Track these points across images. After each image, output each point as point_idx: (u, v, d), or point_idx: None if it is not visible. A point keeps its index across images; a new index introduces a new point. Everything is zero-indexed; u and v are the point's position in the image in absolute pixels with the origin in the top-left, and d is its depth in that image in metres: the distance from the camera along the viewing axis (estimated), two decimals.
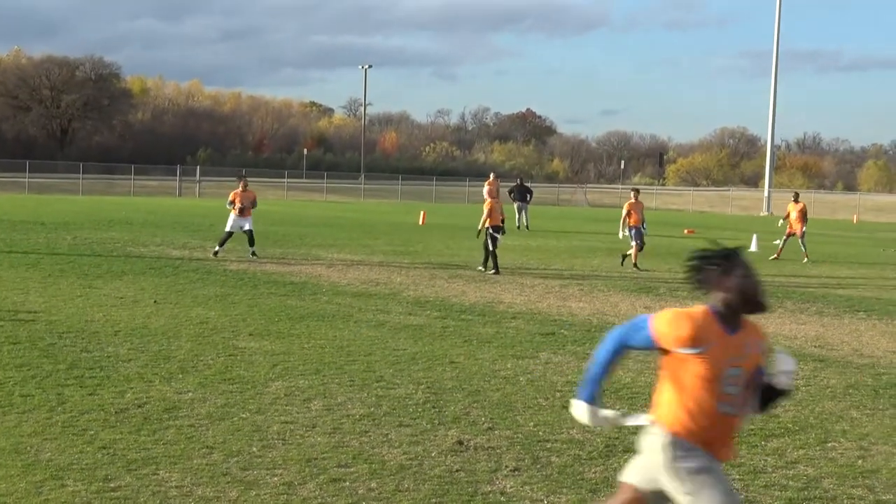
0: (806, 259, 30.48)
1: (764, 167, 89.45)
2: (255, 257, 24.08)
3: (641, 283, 22.12)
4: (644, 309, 18.04)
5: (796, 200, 31.96)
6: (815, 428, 9.87)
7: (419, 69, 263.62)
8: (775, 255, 30.87)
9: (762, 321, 15.02)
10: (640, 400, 10.48)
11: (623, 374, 11.83)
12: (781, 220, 33.04)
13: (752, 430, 9.63)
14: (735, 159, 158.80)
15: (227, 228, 24.68)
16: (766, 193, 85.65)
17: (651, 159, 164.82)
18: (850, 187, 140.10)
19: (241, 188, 25.02)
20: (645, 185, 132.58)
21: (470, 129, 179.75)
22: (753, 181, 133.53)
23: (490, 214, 23.43)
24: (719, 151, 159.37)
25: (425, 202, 76.33)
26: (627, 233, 25.87)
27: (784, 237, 31.78)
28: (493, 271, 22.91)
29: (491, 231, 23.27)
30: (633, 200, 26.08)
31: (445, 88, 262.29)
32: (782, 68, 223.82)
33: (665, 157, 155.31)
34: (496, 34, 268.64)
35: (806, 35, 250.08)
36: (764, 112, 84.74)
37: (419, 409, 9.82)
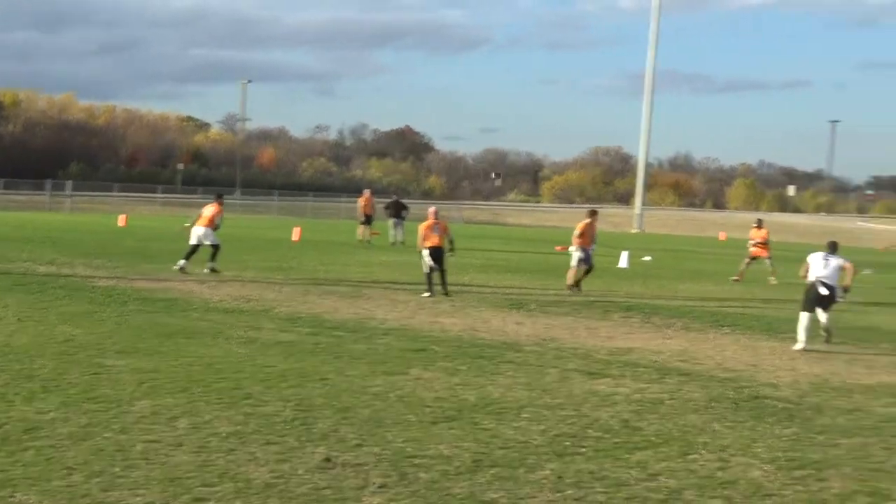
0: (774, 279, 31.00)
1: (636, 185, 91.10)
2: (214, 273, 24.65)
3: (513, 299, 22.33)
4: (516, 325, 18.24)
5: (759, 226, 32.60)
6: (677, 440, 10.09)
7: (299, 85, 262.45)
8: (737, 277, 31.19)
9: (624, 339, 15.20)
10: None
11: None
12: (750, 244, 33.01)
13: (616, 443, 9.81)
14: (609, 177, 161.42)
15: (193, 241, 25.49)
16: (637, 211, 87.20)
17: (527, 176, 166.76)
18: (719, 205, 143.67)
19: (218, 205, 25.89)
20: (520, 201, 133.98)
21: (348, 145, 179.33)
22: (626, 198, 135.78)
23: (426, 236, 23.02)
24: (594, 169, 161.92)
25: (301, 218, 75.88)
26: (575, 251, 25.28)
27: (747, 260, 32.08)
28: (427, 294, 22.31)
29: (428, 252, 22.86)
30: (588, 221, 25.70)
31: (325, 104, 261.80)
32: (660, 89, 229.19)
33: (540, 174, 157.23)
34: (377, 51, 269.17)
35: (684, 57, 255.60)
36: (638, 131, 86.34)
37: (287, 427, 9.76)
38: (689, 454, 9.57)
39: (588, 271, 25.28)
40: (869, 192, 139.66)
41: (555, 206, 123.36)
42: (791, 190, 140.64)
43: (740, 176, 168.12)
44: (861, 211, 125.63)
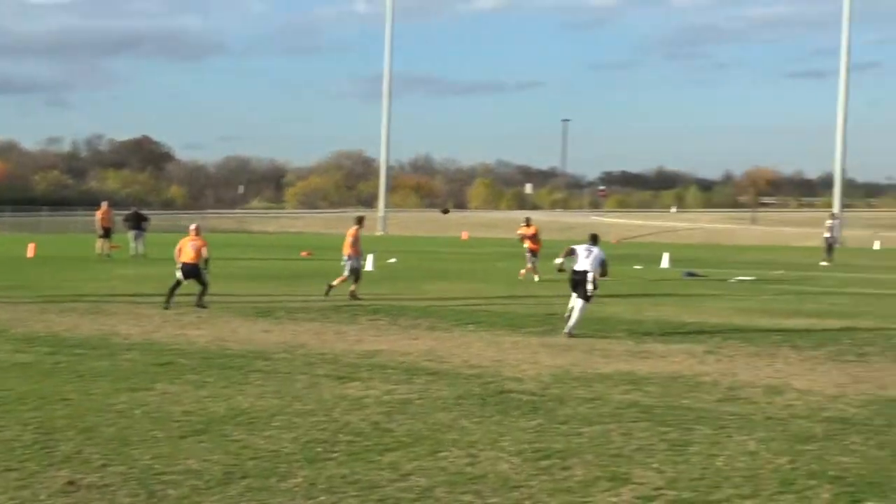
0: (526, 275, 31.65)
1: (379, 188, 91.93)
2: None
3: (260, 307, 22.15)
4: (263, 333, 18.10)
5: (528, 224, 33.09)
6: (427, 439, 10.23)
7: (29, 96, 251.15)
8: (524, 272, 31.88)
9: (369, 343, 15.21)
10: None
11: None
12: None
13: (368, 446, 9.87)
14: (352, 181, 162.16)
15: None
16: (381, 213, 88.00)
17: (270, 183, 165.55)
18: (461, 205, 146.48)
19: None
20: (264, 208, 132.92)
21: (83, 156, 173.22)
22: (370, 202, 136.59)
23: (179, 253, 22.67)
24: (336, 174, 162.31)
25: (36, 233, 72.88)
26: (347, 260, 25.02)
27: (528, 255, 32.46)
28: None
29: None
30: (357, 228, 25.65)
31: (58, 116, 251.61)
32: (399, 92, 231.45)
33: (283, 180, 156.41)
34: (111, 59, 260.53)
35: (419, 61, 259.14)
36: (379, 135, 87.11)
37: (27, 451, 9.37)
38: (439, 452, 9.73)
39: (357, 279, 25.10)
40: (601, 187, 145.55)
41: (299, 212, 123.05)
42: (528, 188, 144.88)
43: (479, 176, 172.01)
44: (594, 206, 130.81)
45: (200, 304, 21.92)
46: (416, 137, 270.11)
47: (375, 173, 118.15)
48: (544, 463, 9.36)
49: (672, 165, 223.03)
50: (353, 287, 24.78)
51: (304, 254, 47.03)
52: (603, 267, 19.03)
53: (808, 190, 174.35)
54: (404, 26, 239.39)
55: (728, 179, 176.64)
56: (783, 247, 63.63)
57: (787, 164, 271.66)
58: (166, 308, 21.55)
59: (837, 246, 50.34)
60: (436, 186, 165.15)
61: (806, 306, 24.02)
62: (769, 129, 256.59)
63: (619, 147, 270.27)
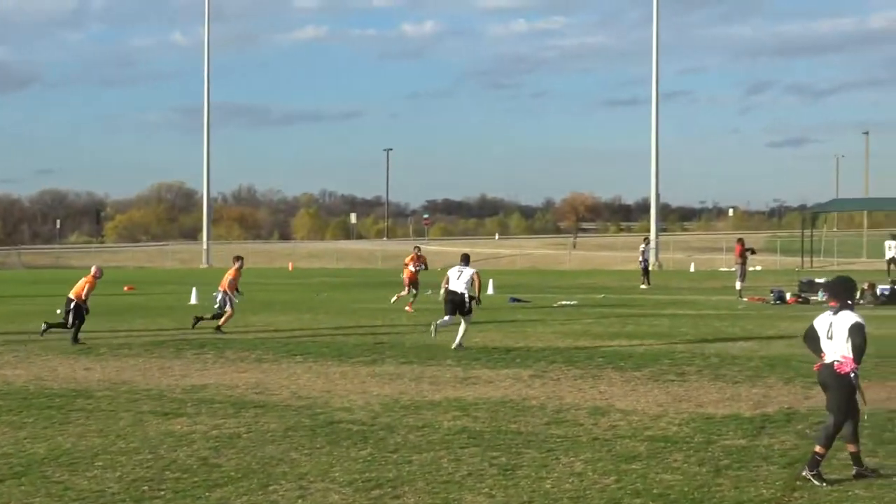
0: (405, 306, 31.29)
1: (202, 220, 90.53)
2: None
3: (81, 344, 21.54)
4: (85, 371, 17.63)
5: (418, 252, 32.84)
6: (257, 473, 10.11)
7: None
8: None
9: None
10: None
11: None
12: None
13: (195, 482, 9.70)
14: (174, 213, 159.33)
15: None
16: (205, 246, 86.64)
17: (88, 217, 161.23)
18: (286, 236, 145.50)
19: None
20: (83, 243, 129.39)
21: None
22: (193, 234, 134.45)
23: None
24: (157, 206, 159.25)
25: None
26: (219, 295, 24.90)
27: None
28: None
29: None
30: (237, 267, 25.71)
31: None
32: (219, 123, 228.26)
33: (103, 214, 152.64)
34: None
35: (239, 91, 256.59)
36: (200, 166, 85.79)
37: None
38: (269, 486, 9.62)
39: (221, 316, 24.79)
40: (425, 216, 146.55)
41: (120, 246, 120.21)
42: (353, 217, 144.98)
43: (304, 206, 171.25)
44: (419, 234, 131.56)
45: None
46: (238, 168, 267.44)
47: (198, 205, 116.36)
48: (376, 492, 9.36)
49: (494, 193, 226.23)
50: (221, 322, 24.59)
51: (126, 288, 45.94)
52: (473, 282, 20.74)
53: (626, 215, 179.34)
54: (224, 56, 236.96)
55: (549, 206, 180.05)
56: (604, 271, 65.15)
57: (605, 190, 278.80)
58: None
59: (653, 269, 51.89)
60: (260, 217, 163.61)
61: (627, 328, 24.64)
62: (587, 156, 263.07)
63: (442, 175, 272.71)
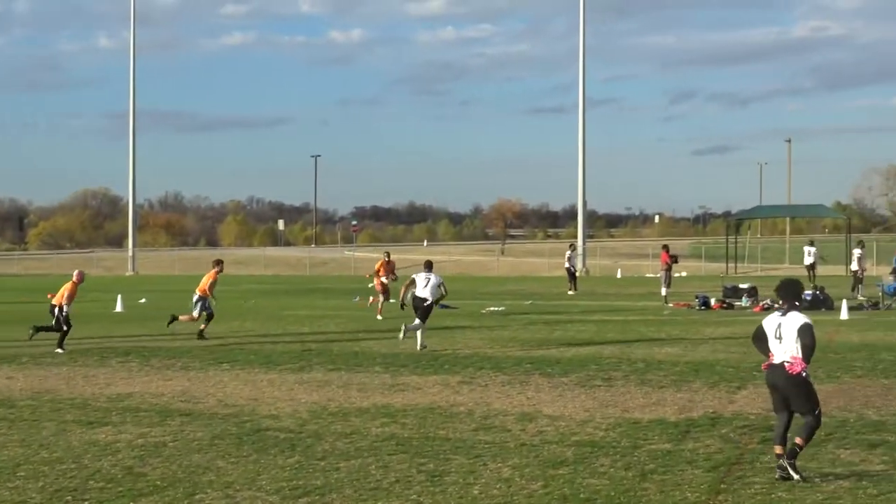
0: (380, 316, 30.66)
1: (128, 227, 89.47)
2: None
3: (2, 354, 21.21)
4: (7, 380, 17.36)
5: (388, 259, 32.99)
6: (183, 482, 10.02)
7: None
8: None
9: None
10: None
11: None
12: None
13: (120, 491, 9.60)
14: (99, 220, 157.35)
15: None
16: (130, 253, 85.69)
17: (11, 223, 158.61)
18: (213, 242, 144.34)
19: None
20: (5, 250, 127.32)
21: None
22: (119, 241, 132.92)
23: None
24: (82, 213, 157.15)
25: None
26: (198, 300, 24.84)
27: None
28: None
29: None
30: (216, 270, 25.49)
31: None
32: (145, 129, 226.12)
33: (26, 220, 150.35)
34: None
35: (165, 96, 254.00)
36: (126, 172, 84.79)
37: None
38: (195, 494, 9.54)
39: (209, 319, 24.85)
40: (354, 222, 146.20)
41: (44, 253, 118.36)
42: (281, 224, 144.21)
43: (231, 213, 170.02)
44: (347, 241, 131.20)
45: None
46: (165, 174, 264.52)
47: (123, 212, 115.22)
48: (303, 500, 9.33)
49: (422, 200, 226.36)
50: (203, 326, 24.63)
51: (50, 296, 45.16)
52: (441, 289, 21.95)
53: (554, 221, 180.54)
54: (150, 62, 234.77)
55: (477, 212, 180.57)
56: (532, 277, 65.48)
57: (533, 197, 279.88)
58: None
59: (580, 275, 52.26)
60: (187, 224, 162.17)
61: (555, 334, 24.79)
62: (515, 163, 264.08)
63: (371, 182, 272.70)
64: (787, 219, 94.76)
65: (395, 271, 33.37)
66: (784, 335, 9.98)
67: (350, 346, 22.34)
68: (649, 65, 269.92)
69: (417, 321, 21.69)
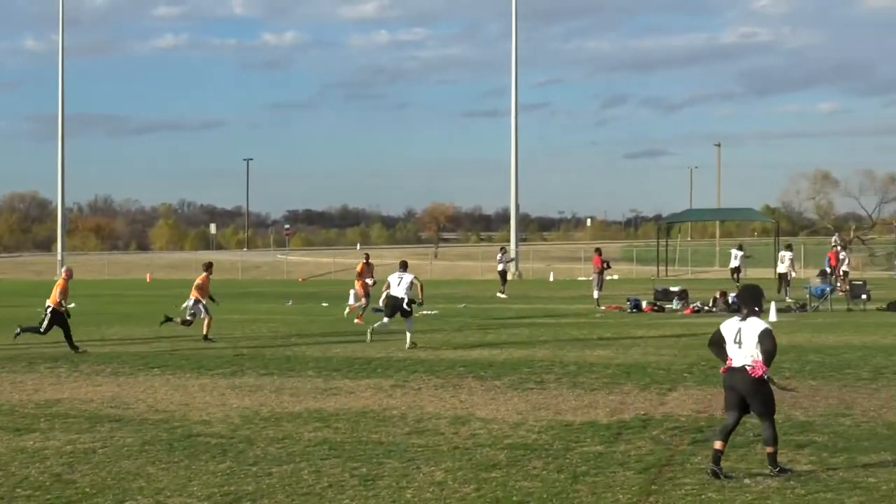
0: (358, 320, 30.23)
1: (57, 231, 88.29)
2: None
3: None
4: None
5: (367, 260, 32.84)
6: (112, 489, 9.91)
7: None
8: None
9: None
10: None
11: None
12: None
13: (48, 499, 9.47)
14: (27, 224, 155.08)
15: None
16: (59, 257, 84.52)
17: None
18: (144, 246, 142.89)
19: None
20: None
21: None
22: (47, 245, 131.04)
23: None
24: (10, 217, 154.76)
25: None
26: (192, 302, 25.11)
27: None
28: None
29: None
30: (206, 275, 25.66)
31: None
32: (74, 132, 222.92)
33: None
34: None
35: (96, 100, 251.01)
36: (55, 175, 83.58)
37: None
38: (124, 501, 9.45)
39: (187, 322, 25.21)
40: (286, 226, 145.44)
41: None
42: (212, 228, 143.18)
43: (162, 216, 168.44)
44: (280, 244, 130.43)
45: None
46: (95, 178, 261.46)
47: (52, 215, 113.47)
48: None
49: (356, 203, 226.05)
50: (205, 330, 24.77)
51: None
52: (416, 285, 22.80)
53: (487, 224, 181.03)
54: (79, 64, 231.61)
55: (410, 216, 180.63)
56: (465, 280, 65.56)
57: (466, 200, 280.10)
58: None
59: (513, 278, 52.47)
60: (117, 228, 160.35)
61: (488, 338, 24.85)
62: (448, 167, 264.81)
63: (303, 186, 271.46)
64: (717, 222, 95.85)
65: (374, 273, 33.11)
66: (744, 340, 10.21)
67: (282, 351, 22.23)
68: (582, 69, 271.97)
69: (386, 320, 22.93)
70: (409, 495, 9.60)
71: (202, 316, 24.95)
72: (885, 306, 32.47)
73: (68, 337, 22.31)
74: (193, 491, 9.81)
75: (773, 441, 10.27)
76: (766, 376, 10.15)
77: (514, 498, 9.44)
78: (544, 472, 10.51)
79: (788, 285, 38.45)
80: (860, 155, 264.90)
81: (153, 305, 40.00)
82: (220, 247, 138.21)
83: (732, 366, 10.25)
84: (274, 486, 9.98)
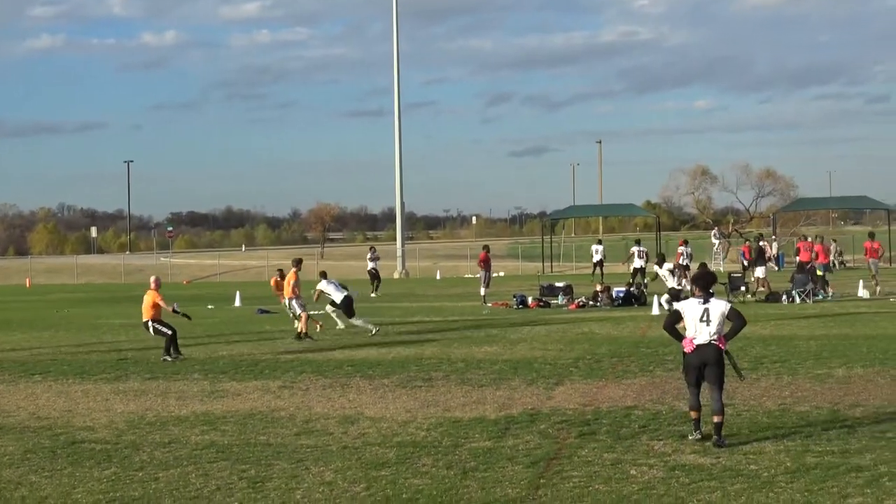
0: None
1: None
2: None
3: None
4: None
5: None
6: None
7: None
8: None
9: None
10: None
11: None
12: None
13: None
14: None
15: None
16: None
17: None
18: (23, 252, 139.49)
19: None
20: None
21: None
22: None
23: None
24: None
25: None
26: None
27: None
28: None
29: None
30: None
31: None
32: None
33: None
34: None
35: None
36: None
37: None
38: None
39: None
40: (169, 228, 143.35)
41: None
42: (94, 231, 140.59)
43: (41, 221, 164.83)
44: (163, 247, 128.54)
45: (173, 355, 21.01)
46: None
47: None
48: None
49: (240, 205, 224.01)
50: (301, 328, 24.49)
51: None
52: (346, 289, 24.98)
53: (373, 224, 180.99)
54: None
55: (295, 216, 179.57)
56: (351, 280, 65.37)
57: (351, 200, 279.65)
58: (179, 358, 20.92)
59: (400, 276, 52.48)
60: None
61: (375, 337, 24.81)
62: (333, 167, 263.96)
63: (186, 187, 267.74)
64: (600, 218, 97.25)
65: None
66: (712, 318, 11.43)
67: (157, 355, 21.93)
68: (466, 68, 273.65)
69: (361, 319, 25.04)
70: (298, 496, 9.56)
71: (299, 313, 24.75)
72: (763, 298, 33.31)
73: (172, 340, 21.31)
74: (78, 498, 9.64)
75: (721, 411, 11.40)
76: (725, 350, 11.46)
77: (404, 495, 9.47)
78: (434, 468, 10.56)
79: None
80: (737, 150, 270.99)
81: (33, 311, 39.12)
82: (101, 250, 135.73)
83: (699, 343, 11.44)
84: (161, 491, 9.86)
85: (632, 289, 34.51)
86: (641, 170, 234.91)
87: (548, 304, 34.09)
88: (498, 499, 9.30)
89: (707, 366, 11.43)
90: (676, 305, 12.05)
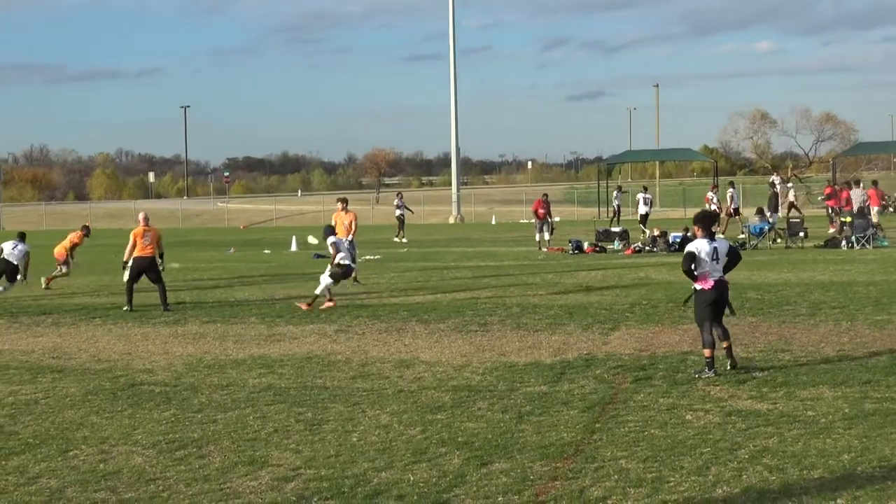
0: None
1: None
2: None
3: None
4: None
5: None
6: (56, 439, 9.85)
7: None
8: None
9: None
10: None
11: None
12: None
13: None
14: None
15: None
16: None
17: None
18: (82, 197, 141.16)
19: None
20: None
21: None
22: None
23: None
24: None
25: None
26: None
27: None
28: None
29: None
30: None
31: None
32: (9, 80, 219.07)
33: None
34: None
35: (31, 48, 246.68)
36: None
37: None
38: (69, 451, 9.39)
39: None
40: (226, 174, 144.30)
41: None
42: (151, 176, 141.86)
43: (99, 166, 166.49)
44: (220, 192, 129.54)
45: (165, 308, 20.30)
46: (30, 128, 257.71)
47: None
48: (180, 453, 9.24)
49: (296, 150, 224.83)
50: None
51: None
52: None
53: (428, 169, 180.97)
54: (12, 12, 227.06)
55: (351, 161, 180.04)
56: (407, 225, 65.59)
57: (407, 145, 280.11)
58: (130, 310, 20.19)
59: (455, 222, 52.44)
60: (54, 178, 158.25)
61: (431, 282, 24.88)
62: (389, 112, 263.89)
63: (243, 133, 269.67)
64: (657, 163, 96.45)
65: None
66: (720, 256, 12.28)
67: (225, 298, 22.14)
68: (524, 12, 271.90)
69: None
70: (354, 439, 9.64)
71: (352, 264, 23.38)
72: (822, 243, 32.94)
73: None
74: (138, 439, 9.78)
75: (728, 335, 12.47)
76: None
77: (460, 439, 9.51)
78: (489, 412, 10.59)
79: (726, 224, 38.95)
80: (797, 94, 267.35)
81: (94, 256, 39.58)
82: (159, 196, 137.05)
83: (717, 279, 12.24)
84: (219, 433, 9.97)
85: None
86: (699, 114, 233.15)
87: (604, 250, 33.98)
88: (553, 443, 9.31)
89: (721, 300, 12.32)
90: (690, 247, 12.45)
